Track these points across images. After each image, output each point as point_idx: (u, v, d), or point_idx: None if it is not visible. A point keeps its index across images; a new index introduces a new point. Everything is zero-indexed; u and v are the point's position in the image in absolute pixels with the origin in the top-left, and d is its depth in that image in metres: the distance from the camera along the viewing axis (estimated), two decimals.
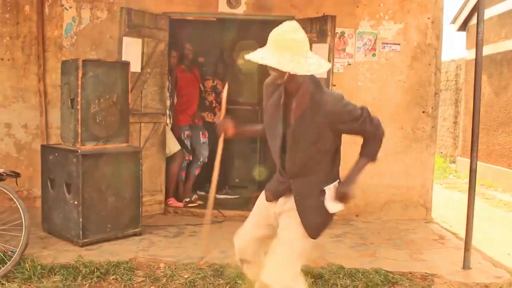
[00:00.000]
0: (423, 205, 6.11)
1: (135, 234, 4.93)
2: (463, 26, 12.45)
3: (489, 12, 11.28)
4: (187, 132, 6.43)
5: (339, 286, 3.95)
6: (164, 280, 4.01)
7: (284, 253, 2.72)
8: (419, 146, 6.06)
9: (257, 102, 8.05)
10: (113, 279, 3.97)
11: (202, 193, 6.77)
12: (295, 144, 2.68)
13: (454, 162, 13.09)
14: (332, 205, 2.72)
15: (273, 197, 2.87)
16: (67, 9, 5.91)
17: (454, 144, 13.57)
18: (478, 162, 11.69)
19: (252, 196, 6.86)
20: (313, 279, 4.02)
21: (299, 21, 5.68)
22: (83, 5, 5.89)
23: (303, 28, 5.33)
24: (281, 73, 2.51)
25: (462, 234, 5.89)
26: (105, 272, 4.00)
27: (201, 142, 6.58)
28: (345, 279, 4.05)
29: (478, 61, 4.25)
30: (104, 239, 4.69)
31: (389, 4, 5.92)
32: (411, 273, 4.18)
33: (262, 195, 3.05)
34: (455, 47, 34.08)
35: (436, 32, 5.95)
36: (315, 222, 2.73)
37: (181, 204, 6.18)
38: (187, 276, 4.08)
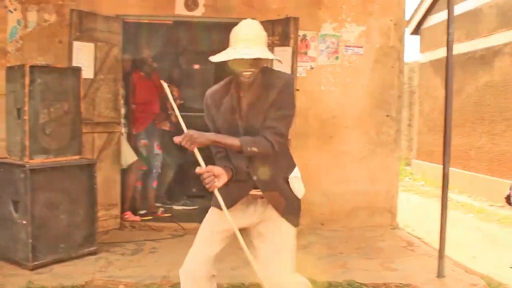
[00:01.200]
0: (388, 210, 6.01)
1: (90, 253, 4.57)
2: (416, 30, 12.57)
3: (442, 16, 11.41)
4: (143, 141, 6.11)
5: None
6: None
7: (286, 258, 2.67)
8: (384, 150, 5.95)
9: None
10: None
11: (179, 207, 6.65)
12: (250, 127, 2.61)
13: (409, 165, 13.19)
14: (300, 190, 2.74)
15: (232, 203, 2.66)
16: (11, 12, 5.49)
17: (409, 147, 13.69)
18: (433, 164, 11.78)
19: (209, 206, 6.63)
20: None
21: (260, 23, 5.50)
22: (29, 7, 5.49)
23: (265, 31, 5.08)
24: (260, 63, 2.53)
25: (427, 239, 5.87)
26: None
27: (155, 153, 6.26)
28: None
29: (449, 63, 4.13)
30: (57, 261, 4.31)
31: (352, 6, 5.79)
32: (385, 285, 4.02)
33: (211, 214, 2.83)
34: (408, 51, 34.78)
35: (398, 34, 5.87)
36: (293, 209, 2.72)
37: (138, 218, 5.85)
38: None
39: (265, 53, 2.51)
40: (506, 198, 5.59)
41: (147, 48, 6.20)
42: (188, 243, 5.08)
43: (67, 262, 4.36)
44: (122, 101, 5.67)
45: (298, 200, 2.74)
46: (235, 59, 2.48)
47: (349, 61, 5.85)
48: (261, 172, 2.62)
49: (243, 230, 2.64)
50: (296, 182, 2.72)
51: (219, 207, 2.60)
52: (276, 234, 2.69)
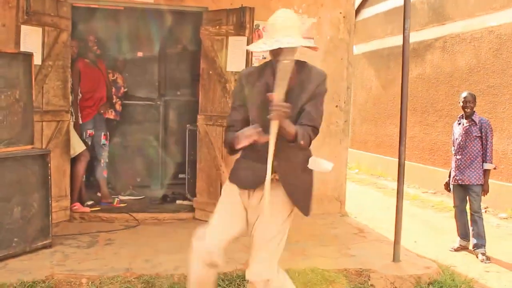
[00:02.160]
0: (337, 198, 6.20)
1: (44, 247, 4.40)
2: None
3: (376, 9, 11.83)
4: (89, 131, 5.94)
5: None
6: None
7: (274, 247, 2.77)
8: (333, 140, 6.12)
9: (157, 97, 7.69)
10: None
11: (126, 197, 6.51)
12: None
13: None
14: (326, 165, 2.81)
15: (254, 184, 2.77)
16: None
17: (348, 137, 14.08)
18: (367, 153, 12.24)
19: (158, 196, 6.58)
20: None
21: (213, 12, 5.49)
22: None
23: (219, 20, 5.10)
24: (294, 55, 2.63)
25: (371, 225, 6.10)
26: None
27: (101, 143, 6.13)
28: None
29: (405, 56, 4.27)
30: (10, 256, 4.10)
31: None
32: (346, 270, 4.17)
33: (229, 188, 2.92)
34: None
35: (347, 27, 6.03)
36: (307, 198, 2.85)
37: (87, 209, 5.68)
38: None
39: (305, 42, 2.68)
40: (445, 184, 5.94)
41: (92, 34, 6.00)
42: (143, 233, 5.10)
43: (22, 257, 4.17)
44: (70, 89, 5.46)
45: (311, 190, 2.85)
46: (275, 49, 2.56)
47: (300, 51, 5.82)
48: (282, 158, 2.70)
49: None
50: (318, 161, 2.80)
51: (240, 185, 2.81)
52: (276, 219, 2.77)
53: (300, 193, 2.81)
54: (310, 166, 2.79)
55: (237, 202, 2.86)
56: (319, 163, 2.79)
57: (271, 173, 2.59)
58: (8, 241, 4.12)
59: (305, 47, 2.74)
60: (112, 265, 4.08)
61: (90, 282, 3.75)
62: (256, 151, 2.70)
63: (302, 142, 2.61)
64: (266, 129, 2.60)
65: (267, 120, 2.55)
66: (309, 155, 2.85)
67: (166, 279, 3.84)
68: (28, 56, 4.42)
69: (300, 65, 2.77)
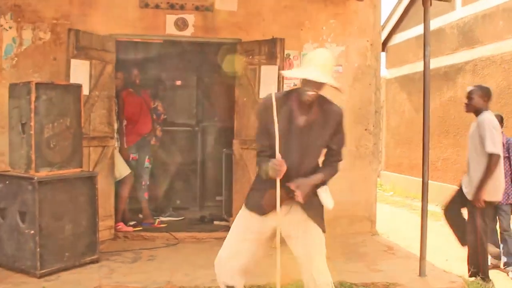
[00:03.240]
0: (368, 218, 6.39)
1: (92, 262, 4.77)
2: (383, 47, 13.15)
3: (407, 34, 12.05)
4: (132, 155, 6.35)
5: None
6: None
7: (322, 258, 3.16)
8: (362, 162, 6.34)
9: (195, 123, 8.08)
10: None
11: (166, 218, 6.83)
12: (306, 146, 3.04)
13: (378, 176, 13.68)
14: (329, 202, 3.15)
15: (268, 208, 3.07)
16: (6, 30, 5.67)
17: (377, 159, 14.21)
18: (401, 175, 12.28)
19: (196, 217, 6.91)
20: None
21: (246, 43, 5.86)
22: (24, 26, 5.68)
23: (252, 51, 5.48)
24: (320, 90, 2.95)
25: (403, 244, 6.25)
26: None
27: (145, 166, 6.52)
28: None
29: (426, 82, 4.53)
30: (62, 269, 4.50)
31: (331, 28, 6.20)
32: (373, 284, 4.37)
33: (243, 215, 3.22)
34: None
35: (374, 54, 6.30)
36: (321, 217, 3.17)
37: (130, 229, 6.06)
38: None
39: (332, 81, 2.95)
40: None
41: (135, 67, 6.46)
42: (182, 251, 5.41)
43: (72, 270, 4.55)
44: (115, 117, 5.89)
45: (322, 210, 3.15)
46: (304, 79, 2.91)
47: None
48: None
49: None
50: (324, 194, 3.12)
51: (256, 211, 3.10)
52: (314, 239, 3.13)
53: (316, 212, 3.12)
54: (318, 193, 3.11)
55: (254, 229, 3.15)
56: (324, 196, 3.12)
57: (290, 194, 2.98)
58: (61, 255, 4.51)
59: (332, 86, 3.00)
60: (155, 278, 4.41)
61: None
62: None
63: (330, 178, 3.15)
64: (288, 153, 2.97)
65: (289, 144, 2.97)
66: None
67: None
68: (78, 87, 4.86)
69: (322, 99, 3.07)
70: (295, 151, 3.03)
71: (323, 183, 3.12)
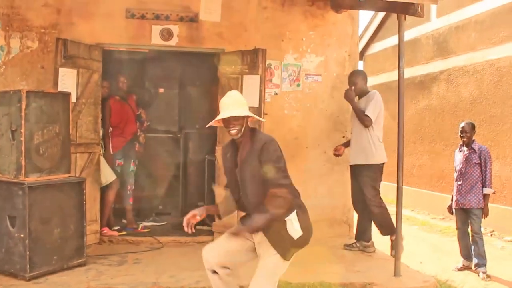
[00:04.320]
0: (346, 222, 6.62)
1: (80, 265, 4.91)
2: (360, 56, 13.47)
3: (385, 44, 12.39)
4: (118, 161, 6.49)
5: None
6: None
7: (263, 281, 3.28)
8: (340, 168, 6.56)
9: (177, 130, 8.24)
10: None
11: (149, 223, 6.97)
12: (243, 180, 3.37)
13: None
14: (294, 232, 3.29)
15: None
16: None
17: None
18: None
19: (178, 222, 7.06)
20: None
21: (229, 53, 6.06)
22: (12, 34, 5.80)
23: (234, 60, 5.74)
24: (242, 122, 3.31)
25: (379, 248, 6.48)
26: None
27: (130, 170, 6.66)
28: None
29: (400, 92, 4.80)
30: (51, 272, 4.63)
31: (311, 39, 6.44)
32: (351, 283, 4.60)
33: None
34: None
35: (352, 64, 6.56)
36: (284, 245, 3.27)
37: (115, 233, 6.19)
38: None
39: (238, 112, 3.26)
40: (448, 208, 6.34)
41: (122, 75, 6.61)
42: (167, 254, 5.58)
43: (60, 273, 4.68)
44: (100, 124, 6.03)
45: (291, 238, 3.27)
46: (224, 120, 3.32)
47: (309, 87, 6.48)
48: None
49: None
50: (291, 224, 3.28)
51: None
52: (264, 259, 3.32)
53: (277, 240, 3.26)
54: (287, 225, 3.28)
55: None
56: (289, 226, 3.28)
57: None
58: (49, 258, 4.64)
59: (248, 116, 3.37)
60: (141, 280, 4.57)
61: None
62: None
63: (281, 211, 3.22)
64: (239, 190, 3.43)
65: (237, 181, 3.42)
66: (290, 208, 3.30)
67: None
68: (67, 95, 5.01)
69: (253, 133, 3.39)
70: (242, 186, 3.38)
71: (273, 219, 3.20)
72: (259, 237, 3.33)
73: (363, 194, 5.63)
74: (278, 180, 3.24)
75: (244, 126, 3.33)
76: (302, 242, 3.34)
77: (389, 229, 5.45)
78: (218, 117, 3.33)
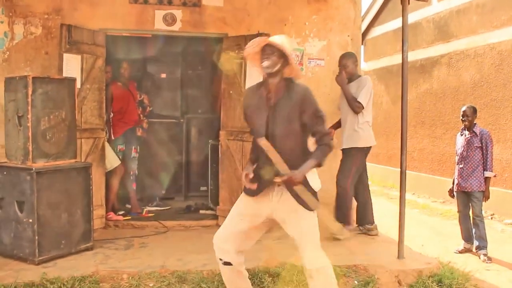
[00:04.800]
0: None
1: (87, 249, 4.97)
2: (361, 40, 13.46)
3: (385, 28, 12.37)
4: (120, 147, 6.52)
5: (295, 281, 4.32)
6: None
7: (312, 245, 3.34)
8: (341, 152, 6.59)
9: (180, 115, 8.27)
10: None
11: (152, 208, 7.03)
12: (275, 124, 3.24)
13: None
14: (316, 184, 3.33)
15: (258, 190, 3.33)
16: None
17: None
18: (379, 166, 12.63)
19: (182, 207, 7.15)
20: (271, 278, 4.37)
21: (232, 38, 6.08)
22: (16, 20, 5.80)
23: (238, 45, 5.75)
24: (278, 61, 3.19)
25: (382, 231, 6.56)
26: (71, 287, 4.06)
27: (132, 156, 6.70)
28: (300, 275, 4.41)
29: (404, 76, 4.81)
30: (59, 256, 4.69)
31: (314, 23, 6.44)
32: (355, 266, 4.66)
33: (242, 201, 3.48)
34: None
35: (355, 48, 6.56)
36: (310, 198, 3.27)
37: (121, 218, 6.26)
38: (152, 284, 4.24)
39: (278, 44, 3.14)
40: (449, 191, 6.41)
41: (124, 61, 6.62)
42: (172, 238, 5.65)
43: (68, 257, 4.75)
44: (104, 109, 6.06)
45: (313, 190, 3.30)
46: (262, 51, 3.20)
47: (312, 72, 6.49)
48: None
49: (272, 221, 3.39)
50: (312, 176, 3.29)
51: (249, 193, 3.35)
52: (300, 222, 3.30)
53: (300, 192, 3.24)
54: (309, 177, 3.28)
55: (249, 212, 3.40)
56: (311, 178, 3.28)
57: (276, 178, 3.19)
58: (57, 243, 4.70)
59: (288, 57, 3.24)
60: (148, 263, 4.63)
61: (130, 277, 4.29)
62: (262, 162, 3.32)
63: (325, 159, 3.30)
64: (268, 136, 3.26)
65: (266, 126, 3.27)
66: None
67: (196, 274, 4.36)
68: (72, 81, 5.04)
69: (288, 81, 3.29)
70: (271, 134, 3.26)
71: (319, 165, 3.26)
72: (278, 197, 3.30)
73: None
74: (325, 130, 3.29)
75: (279, 66, 3.21)
76: (317, 201, 3.34)
77: (344, 217, 5.64)
78: (256, 41, 3.22)
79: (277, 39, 3.22)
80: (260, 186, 3.31)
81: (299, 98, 3.21)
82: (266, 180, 3.27)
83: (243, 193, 3.48)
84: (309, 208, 3.28)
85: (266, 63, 3.18)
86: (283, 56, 3.20)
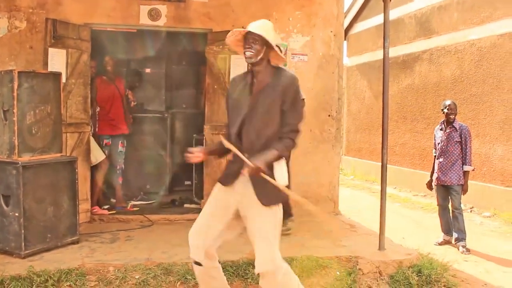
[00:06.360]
0: (331, 199, 6.81)
1: (73, 243, 5.01)
2: (344, 36, 13.56)
3: (368, 24, 12.50)
4: (106, 141, 6.55)
5: None
6: (117, 282, 4.21)
7: (263, 244, 3.14)
8: (326, 146, 6.73)
9: (165, 110, 8.31)
10: (67, 286, 4.09)
11: (137, 202, 7.06)
12: (253, 111, 3.16)
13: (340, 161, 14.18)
14: (281, 178, 3.13)
15: (228, 179, 3.27)
16: None
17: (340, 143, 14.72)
18: (361, 160, 12.81)
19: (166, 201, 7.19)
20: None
21: (217, 33, 6.14)
22: (0, 14, 5.79)
23: (222, 40, 5.82)
24: (261, 49, 3.14)
25: (364, 223, 6.70)
26: (57, 279, 4.10)
27: (118, 151, 6.72)
28: None
29: (385, 72, 4.92)
30: (45, 249, 4.72)
31: (297, 19, 6.54)
32: (337, 257, 4.77)
33: (216, 189, 3.40)
34: None
35: (338, 44, 6.68)
36: (269, 192, 3.11)
37: (106, 212, 6.29)
38: (138, 276, 4.30)
39: (260, 32, 3.08)
40: (427, 184, 6.56)
41: (108, 55, 6.63)
42: (157, 231, 5.73)
43: (54, 251, 4.78)
44: (89, 104, 6.08)
45: (277, 186, 3.08)
46: (244, 40, 3.16)
47: (295, 67, 6.58)
48: (250, 153, 3.13)
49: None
50: (279, 168, 3.14)
51: (220, 181, 3.30)
52: (255, 217, 3.16)
53: (263, 186, 3.09)
54: (275, 170, 3.13)
55: (220, 204, 3.30)
56: (277, 171, 3.12)
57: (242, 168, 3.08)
58: (43, 236, 4.74)
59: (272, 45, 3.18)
60: (134, 256, 4.69)
61: (116, 270, 4.34)
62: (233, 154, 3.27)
63: (286, 153, 3.23)
64: (243, 125, 3.19)
65: (244, 115, 3.19)
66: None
67: (182, 266, 4.44)
68: (58, 75, 5.06)
69: (277, 69, 3.24)
70: (250, 118, 3.17)
71: (280, 157, 3.12)
72: (241, 189, 3.19)
73: None
74: (295, 126, 3.17)
75: (261, 55, 3.14)
76: (284, 196, 3.17)
77: None
78: (236, 29, 3.17)
79: (258, 26, 3.15)
80: (229, 174, 3.26)
81: (284, 85, 3.13)
82: (233, 170, 3.21)
83: (217, 183, 3.39)
84: (266, 202, 3.13)
85: (248, 53, 3.14)
86: (266, 43, 3.14)
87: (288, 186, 3.23)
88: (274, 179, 3.08)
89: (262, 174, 3.00)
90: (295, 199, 3.14)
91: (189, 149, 3.30)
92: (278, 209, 3.22)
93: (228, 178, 3.28)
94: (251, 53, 3.13)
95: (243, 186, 3.19)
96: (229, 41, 3.26)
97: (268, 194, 3.12)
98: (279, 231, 3.27)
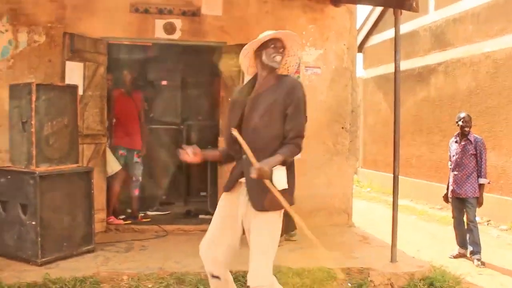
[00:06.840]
0: (345, 211, 6.81)
1: (88, 251, 5.11)
2: (360, 48, 13.61)
3: (384, 36, 12.52)
4: (121, 151, 6.65)
5: (290, 284, 4.44)
6: None
7: (259, 258, 3.10)
8: (339, 158, 6.76)
9: (180, 122, 8.43)
10: None
11: (153, 213, 7.14)
12: (253, 111, 3.14)
13: (356, 173, 14.14)
14: (279, 182, 3.05)
15: (229, 184, 3.26)
16: (2, 32, 5.94)
17: (355, 156, 14.70)
18: (378, 172, 12.75)
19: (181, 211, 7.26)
20: None
21: (231, 46, 6.23)
22: (19, 29, 5.96)
23: (236, 53, 5.87)
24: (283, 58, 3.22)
25: (378, 236, 6.68)
26: (73, 287, 4.19)
27: (134, 161, 6.82)
28: (294, 277, 4.55)
29: (397, 84, 4.96)
30: (61, 257, 4.84)
31: (310, 32, 6.61)
32: (349, 269, 4.79)
33: (221, 200, 3.39)
34: None
35: (351, 57, 6.73)
36: (268, 195, 3.03)
37: (121, 222, 6.39)
38: (151, 285, 4.38)
39: (293, 45, 3.22)
40: (444, 197, 6.53)
41: (126, 69, 6.76)
42: (171, 241, 5.78)
43: (70, 259, 4.89)
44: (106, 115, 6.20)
45: (267, 189, 2.99)
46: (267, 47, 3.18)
47: (309, 80, 6.64)
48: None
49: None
50: (278, 173, 3.03)
51: (224, 189, 3.28)
52: (253, 230, 3.12)
53: (256, 190, 3.07)
54: (274, 173, 3.03)
55: (226, 213, 3.27)
56: (276, 175, 3.03)
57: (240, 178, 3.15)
58: (59, 245, 4.85)
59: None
60: (148, 265, 4.76)
61: (130, 278, 4.43)
62: (236, 159, 3.27)
63: (291, 159, 3.14)
64: (244, 128, 3.15)
65: (245, 119, 3.17)
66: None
67: (194, 276, 4.50)
68: (74, 88, 5.20)
69: (281, 76, 3.25)
70: (248, 121, 3.14)
71: (284, 162, 3.06)
72: (244, 196, 3.15)
73: None
74: (300, 132, 3.13)
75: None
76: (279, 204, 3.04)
77: None
78: (271, 33, 3.17)
79: (287, 33, 3.22)
80: (231, 180, 3.25)
81: (286, 89, 3.12)
82: (234, 174, 3.22)
83: (223, 193, 3.37)
84: (259, 207, 3.07)
85: (278, 58, 3.17)
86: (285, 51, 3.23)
87: (291, 197, 3.20)
88: (273, 184, 3.01)
89: (265, 180, 2.96)
90: (289, 212, 3.04)
91: (183, 145, 3.28)
92: (274, 217, 3.16)
93: (229, 183, 3.28)
94: (280, 57, 3.20)
95: (244, 197, 3.18)
96: (258, 39, 3.21)
97: (261, 199, 3.06)
98: (277, 241, 3.22)
